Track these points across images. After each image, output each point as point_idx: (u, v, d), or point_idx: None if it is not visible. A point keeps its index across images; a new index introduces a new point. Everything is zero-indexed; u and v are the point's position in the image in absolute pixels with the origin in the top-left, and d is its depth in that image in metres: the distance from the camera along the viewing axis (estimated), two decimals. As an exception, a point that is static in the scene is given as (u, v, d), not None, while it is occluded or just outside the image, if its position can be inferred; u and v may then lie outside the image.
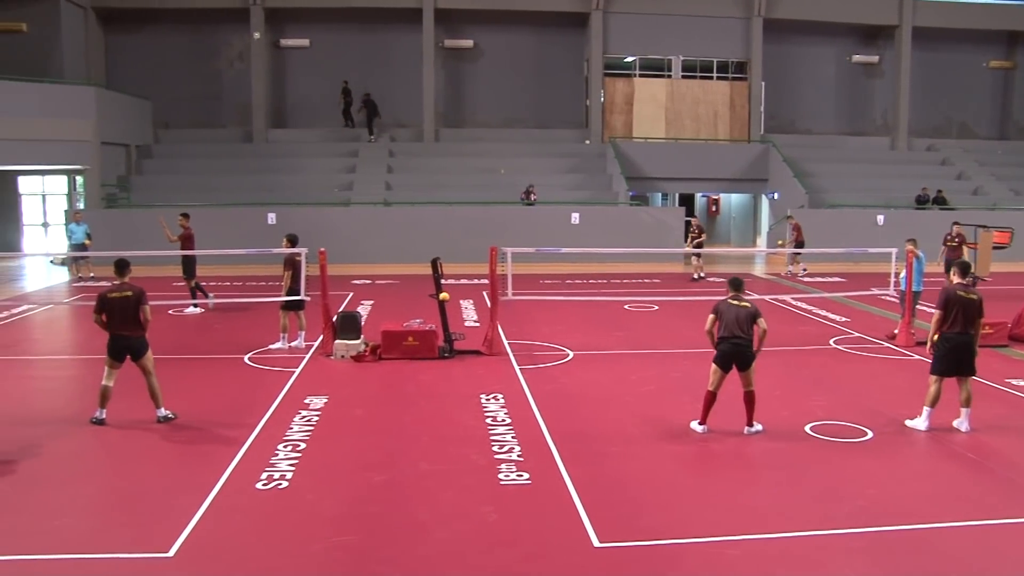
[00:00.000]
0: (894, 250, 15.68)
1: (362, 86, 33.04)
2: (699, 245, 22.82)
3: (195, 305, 17.57)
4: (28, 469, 8.49)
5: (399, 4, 32.62)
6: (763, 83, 34.20)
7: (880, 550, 6.71)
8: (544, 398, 10.91)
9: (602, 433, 9.55)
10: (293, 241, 14.15)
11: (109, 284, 10.09)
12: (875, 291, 17.30)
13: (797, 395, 11.26)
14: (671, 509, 7.44)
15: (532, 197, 27.95)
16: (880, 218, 28.50)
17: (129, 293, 9.73)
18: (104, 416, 9.75)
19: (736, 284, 9.69)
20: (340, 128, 33.07)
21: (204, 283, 18.27)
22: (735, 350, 9.25)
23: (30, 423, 9.91)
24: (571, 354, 13.66)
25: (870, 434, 9.51)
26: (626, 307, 18.18)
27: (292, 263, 13.85)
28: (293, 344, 13.98)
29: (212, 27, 33.15)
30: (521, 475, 8.15)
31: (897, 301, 15.54)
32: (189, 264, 17.65)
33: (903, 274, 14.71)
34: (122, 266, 10.04)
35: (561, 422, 9.88)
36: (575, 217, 27.55)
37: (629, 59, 34.23)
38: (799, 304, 18.61)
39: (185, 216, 18.06)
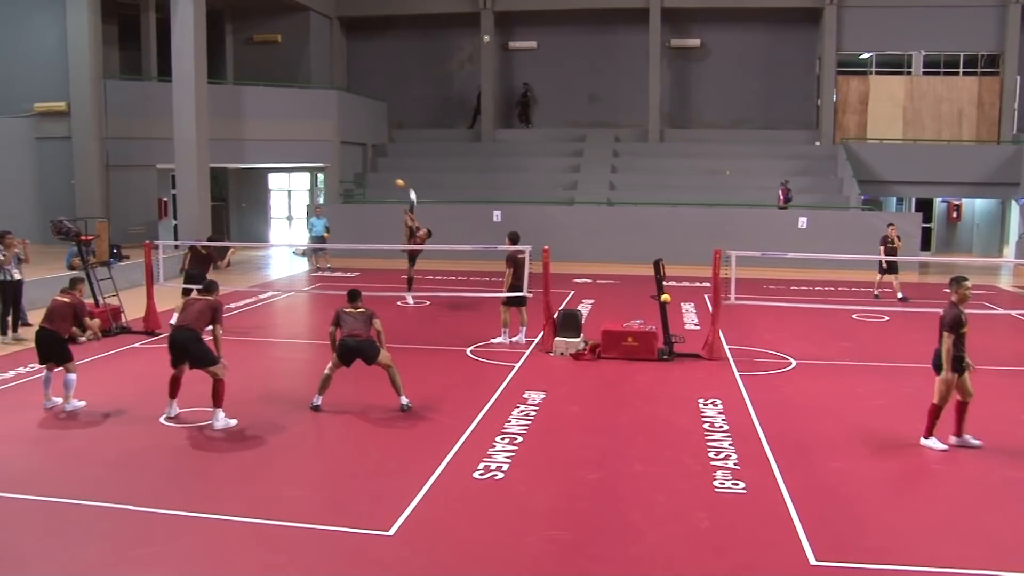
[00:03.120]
0: None
1: (588, 86, 33.40)
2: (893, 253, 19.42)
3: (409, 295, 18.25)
4: (269, 443, 9.24)
5: (625, 4, 32.64)
6: (1018, 77, 31.46)
7: None
8: (764, 406, 10.61)
9: (824, 446, 9.18)
10: (515, 239, 14.52)
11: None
12: None
13: (1048, 419, 10.35)
14: (896, 532, 7.03)
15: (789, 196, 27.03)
16: None
17: (362, 309, 10.38)
18: (320, 403, 10.30)
19: (951, 282, 9.27)
20: (564, 128, 33.55)
21: (432, 276, 18.98)
22: (934, 356, 9.14)
23: (272, 401, 10.76)
24: (794, 363, 13.21)
25: None
26: (854, 316, 17.33)
27: (515, 260, 14.18)
28: (514, 339, 14.33)
29: (444, 32, 34.53)
30: (737, 483, 7.98)
31: None
32: (415, 255, 18.54)
33: None
34: (354, 296, 10.57)
35: (781, 432, 9.58)
36: (803, 221, 26.50)
37: (865, 56, 32.53)
38: (1052, 320, 17.08)
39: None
